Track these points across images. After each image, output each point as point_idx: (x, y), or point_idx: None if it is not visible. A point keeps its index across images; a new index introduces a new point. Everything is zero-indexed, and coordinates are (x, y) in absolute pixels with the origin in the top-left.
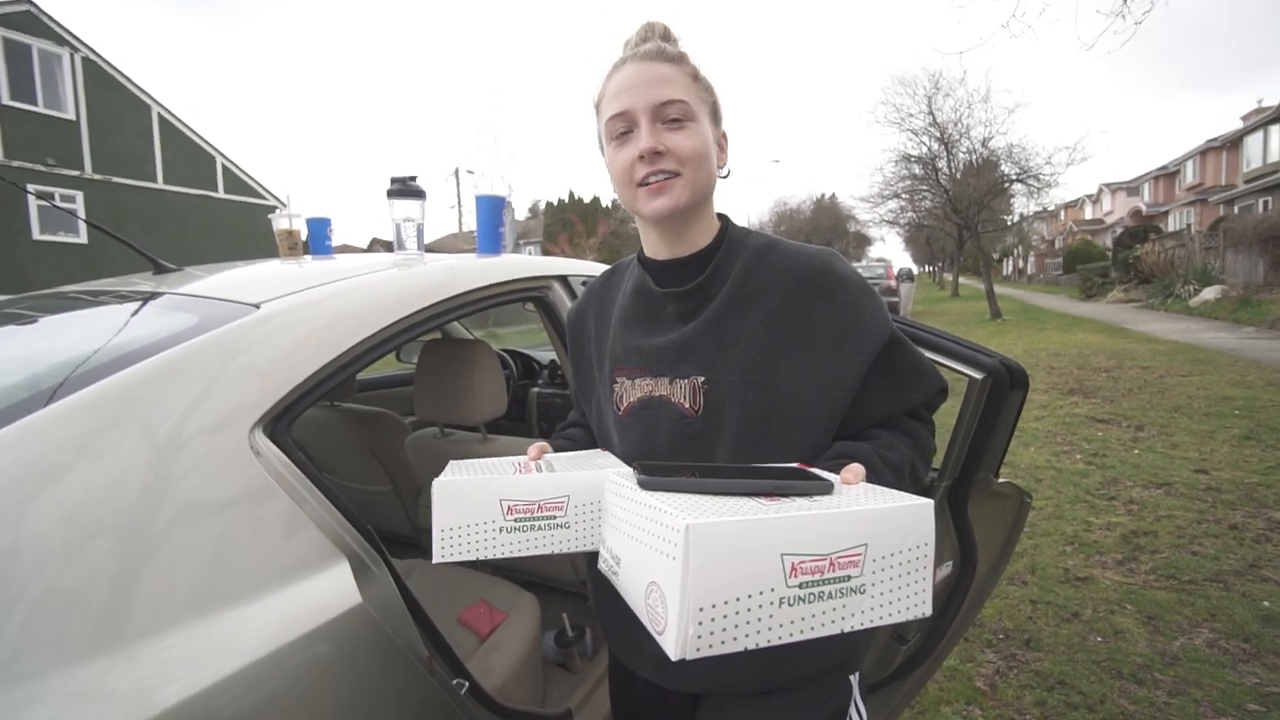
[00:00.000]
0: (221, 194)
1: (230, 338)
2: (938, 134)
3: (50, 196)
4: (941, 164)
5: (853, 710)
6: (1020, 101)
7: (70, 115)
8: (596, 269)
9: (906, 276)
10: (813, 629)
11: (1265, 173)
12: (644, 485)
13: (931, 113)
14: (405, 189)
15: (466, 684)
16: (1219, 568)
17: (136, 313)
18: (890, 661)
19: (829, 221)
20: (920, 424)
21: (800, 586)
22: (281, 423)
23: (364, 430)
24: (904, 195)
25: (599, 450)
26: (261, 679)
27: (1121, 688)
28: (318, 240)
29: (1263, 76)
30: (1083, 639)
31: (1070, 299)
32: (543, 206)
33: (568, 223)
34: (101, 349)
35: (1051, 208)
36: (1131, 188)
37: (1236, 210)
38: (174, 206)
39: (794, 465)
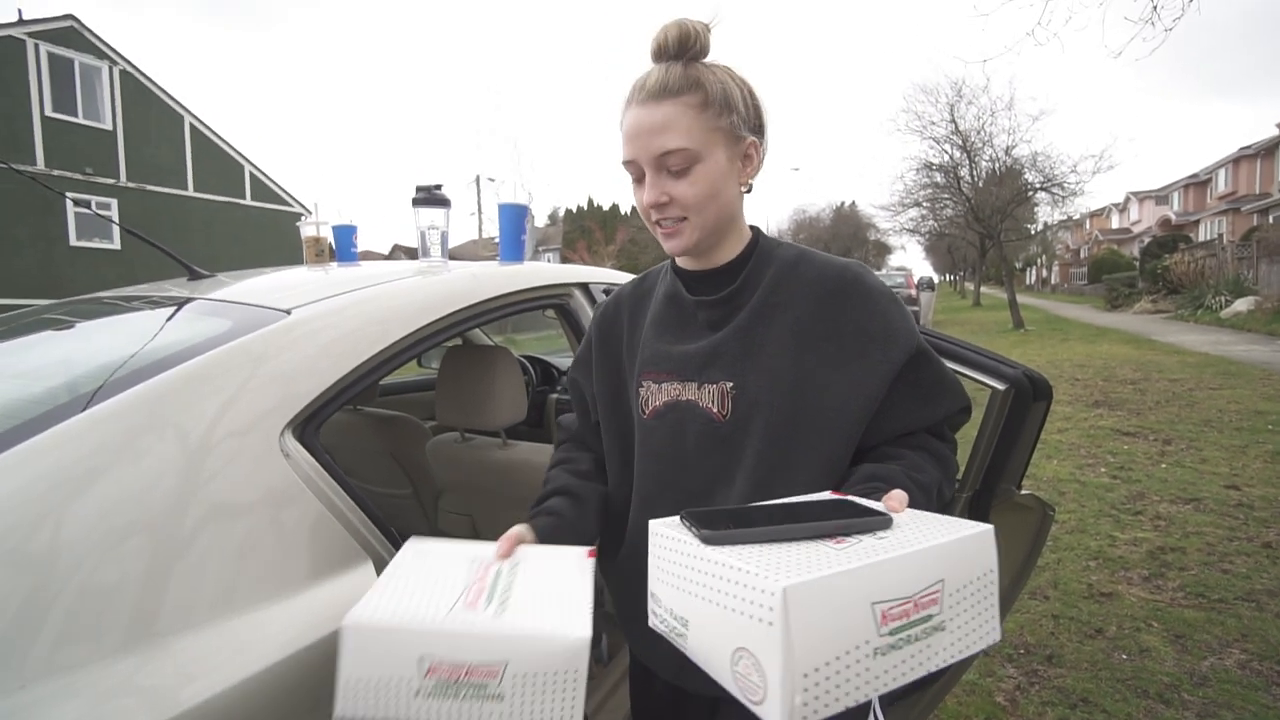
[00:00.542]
0: (249, 201)
1: (262, 343)
2: (960, 142)
3: (87, 204)
4: (964, 172)
5: None
6: (1045, 109)
7: (108, 126)
8: (618, 277)
9: (927, 285)
10: (903, 675)
11: None
12: (709, 541)
13: (954, 120)
14: (430, 197)
15: None
16: (1251, 586)
17: (172, 317)
18: None
19: (848, 230)
20: (944, 443)
21: (891, 634)
22: (310, 426)
23: (386, 434)
24: (925, 203)
25: (582, 552)
26: (285, 678)
27: (1148, 707)
28: (343, 247)
29: None
30: (1107, 656)
31: (1095, 309)
32: (562, 214)
33: (586, 230)
34: (138, 353)
35: (1076, 217)
36: (1160, 196)
37: (1271, 220)
38: (203, 213)
39: (830, 495)
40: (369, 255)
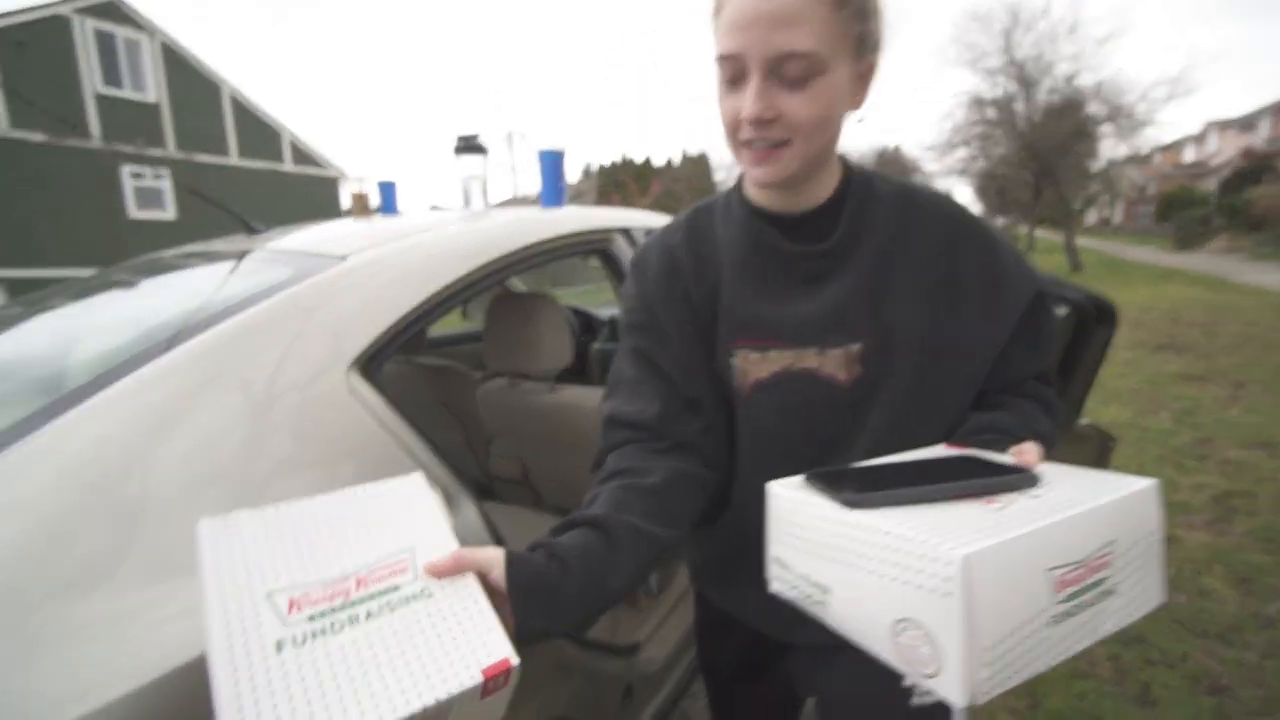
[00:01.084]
0: (289, 166)
1: (322, 286)
2: (1015, 73)
3: (142, 176)
4: (1019, 106)
5: None
6: (1114, 30)
7: (153, 99)
8: (658, 220)
9: None
10: (1075, 644)
11: None
12: (852, 504)
13: (1009, 50)
14: (469, 145)
15: None
16: None
17: (236, 268)
18: None
19: (893, 173)
20: (1049, 389)
21: (1066, 600)
22: (373, 364)
23: (437, 383)
24: (975, 142)
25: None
26: None
27: (1206, 646)
28: (388, 201)
29: None
30: None
31: (1161, 250)
32: (595, 169)
33: (620, 184)
34: (211, 299)
35: (1145, 151)
36: (1245, 123)
37: None
38: (247, 180)
39: (949, 450)
40: None
